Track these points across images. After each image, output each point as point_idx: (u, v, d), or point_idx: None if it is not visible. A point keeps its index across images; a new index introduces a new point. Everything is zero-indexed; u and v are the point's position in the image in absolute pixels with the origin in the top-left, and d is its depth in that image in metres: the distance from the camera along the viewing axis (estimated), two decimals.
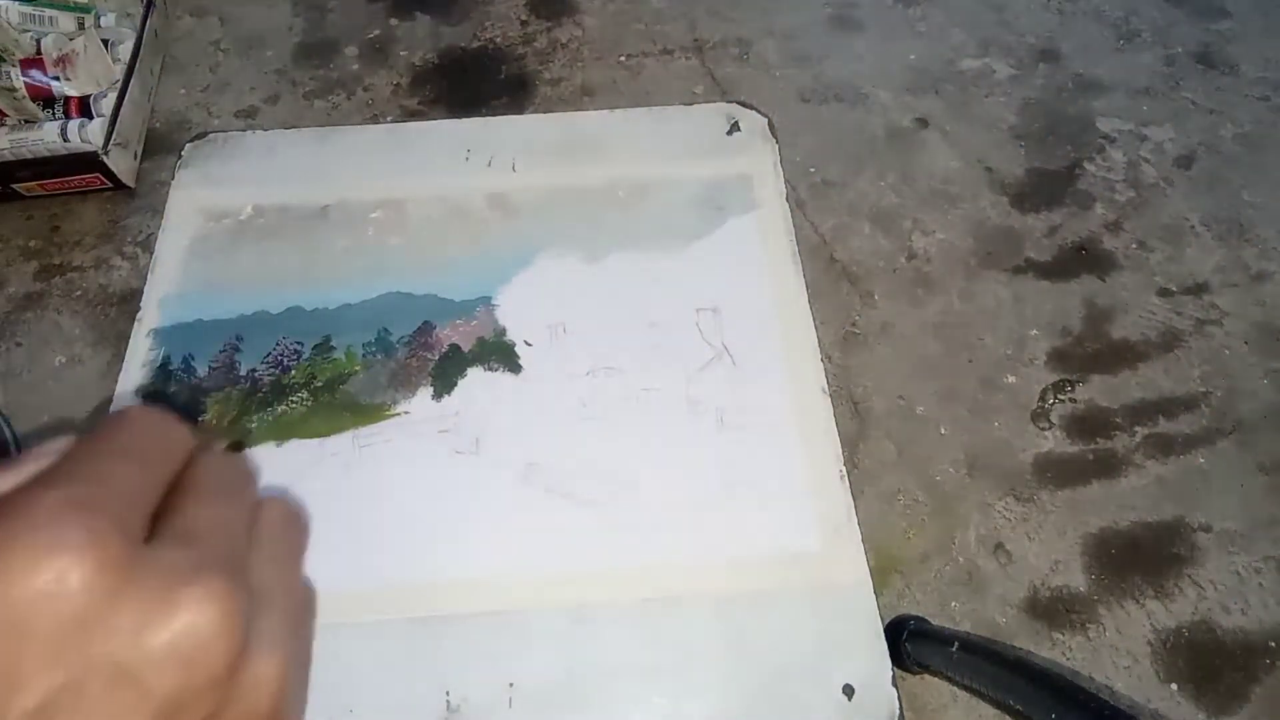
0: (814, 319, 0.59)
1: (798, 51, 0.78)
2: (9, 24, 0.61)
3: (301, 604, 0.17)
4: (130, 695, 0.14)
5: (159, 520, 0.15)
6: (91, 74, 0.67)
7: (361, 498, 0.46)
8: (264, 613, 0.16)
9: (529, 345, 0.57)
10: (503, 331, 0.58)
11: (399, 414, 0.51)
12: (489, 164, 0.65)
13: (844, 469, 0.53)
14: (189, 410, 0.55)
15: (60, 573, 0.13)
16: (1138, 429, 0.61)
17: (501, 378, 0.56)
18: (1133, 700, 0.47)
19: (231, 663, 0.15)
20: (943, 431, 0.60)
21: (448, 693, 0.42)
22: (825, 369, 0.57)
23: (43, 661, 0.13)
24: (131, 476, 0.15)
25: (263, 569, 0.16)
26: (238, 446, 0.15)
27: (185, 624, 0.14)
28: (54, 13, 0.67)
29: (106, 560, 0.13)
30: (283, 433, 0.50)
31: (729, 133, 0.68)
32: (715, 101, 0.72)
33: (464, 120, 0.70)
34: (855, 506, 0.52)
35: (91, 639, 0.13)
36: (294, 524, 0.18)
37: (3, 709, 0.13)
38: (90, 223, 0.66)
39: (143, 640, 0.14)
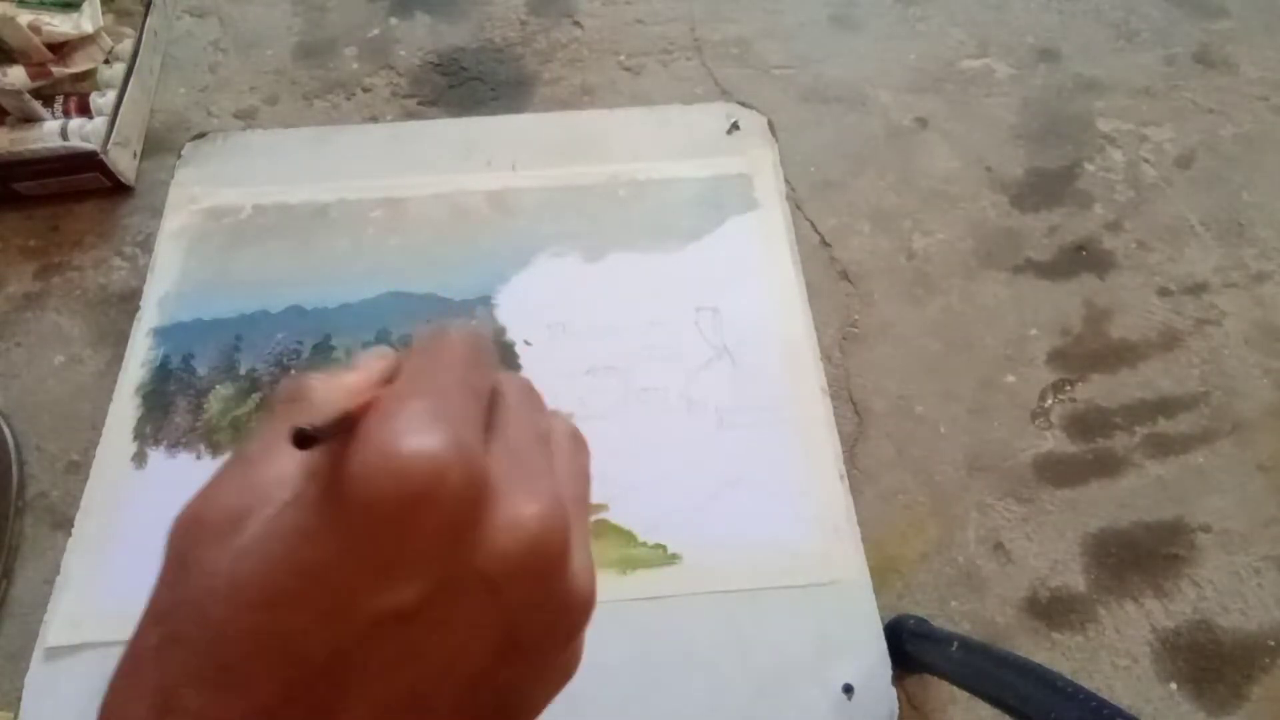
0: (814, 319, 0.59)
1: (798, 51, 0.78)
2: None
3: (589, 531, 0.18)
4: (490, 604, 0.14)
5: (484, 440, 0.16)
6: (88, 54, 0.67)
7: None
8: (575, 537, 0.16)
9: (529, 345, 0.57)
10: (502, 331, 0.58)
11: None
12: (489, 164, 0.65)
13: (844, 469, 0.53)
14: (188, 409, 0.55)
15: (438, 475, 0.13)
16: (1137, 429, 0.61)
17: None
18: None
19: (566, 578, 0.15)
20: (942, 431, 0.60)
21: None
22: (825, 369, 0.57)
23: (423, 560, 0.14)
24: (467, 394, 0.16)
25: (565, 491, 0.17)
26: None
27: (535, 538, 0.14)
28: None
29: (473, 469, 0.14)
30: None
31: (729, 132, 0.68)
32: (715, 101, 0.72)
33: (464, 120, 0.71)
34: (855, 506, 0.52)
35: (462, 545, 0.14)
36: (581, 446, 0.19)
37: (386, 597, 0.13)
38: (90, 222, 0.66)
39: (501, 553, 0.14)
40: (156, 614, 0.15)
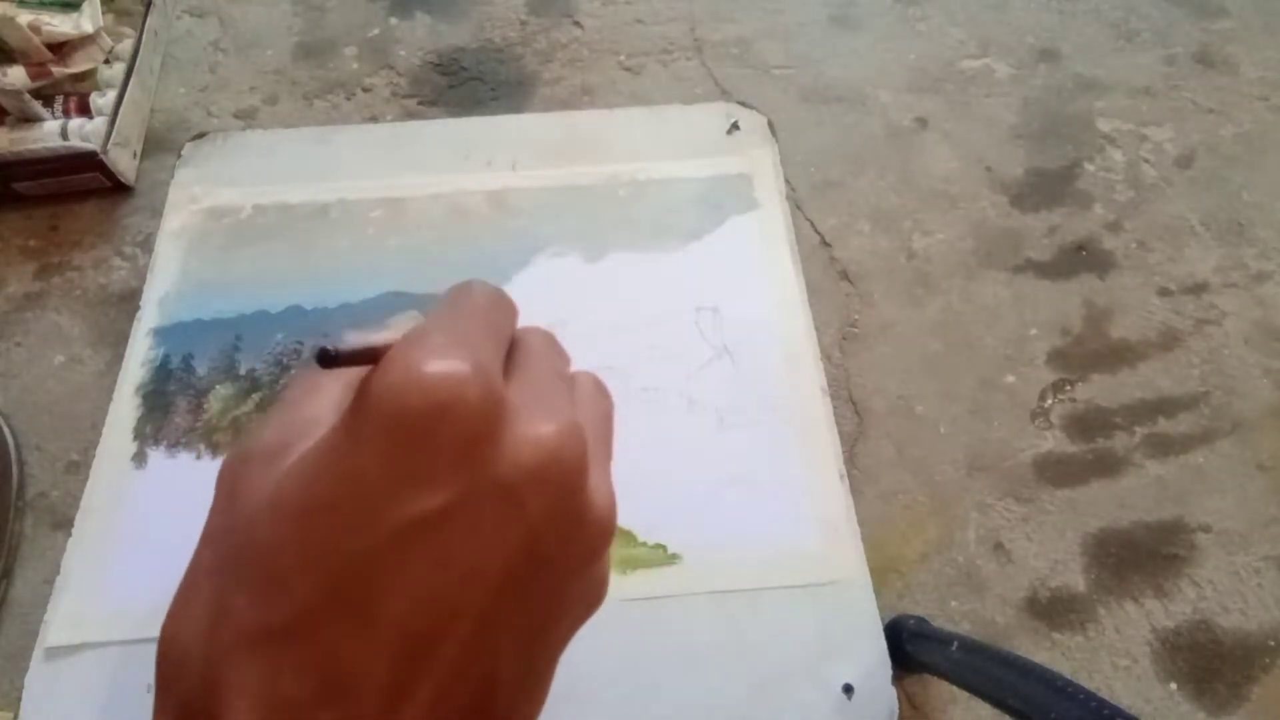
0: (814, 319, 0.59)
1: (798, 51, 0.78)
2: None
3: (610, 468, 0.19)
4: (512, 513, 0.15)
5: (504, 375, 0.18)
6: (88, 54, 0.67)
7: None
8: (595, 464, 0.17)
9: None
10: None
11: None
12: (489, 164, 0.65)
13: (844, 469, 0.53)
14: (188, 409, 0.55)
15: (458, 390, 0.15)
16: (1137, 429, 0.61)
17: None
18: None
19: (584, 496, 0.16)
20: (942, 431, 0.60)
21: None
22: (825, 369, 0.57)
23: (445, 469, 0.15)
24: (488, 334, 0.17)
25: (586, 425, 0.18)
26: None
27: (552, 452, 0.16)
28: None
29: (491, 387, 0.15)
30: None
31: (729, 132, 0.68)
32: (715, 101, 0.72)
33: (464, 120, 0.71)
34: (855, 506, 0.52)
35: (483, 455, 0.15)
36: (605, 394, 0.21)
37: (414, 503, 0.15)
38: (90, 222, 0.66)
39: (519, 465, 0.15)
40: (209, 537, 0.17)
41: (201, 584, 0.16)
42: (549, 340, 0.20)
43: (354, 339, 0.17)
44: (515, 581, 0.15)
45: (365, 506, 0.14)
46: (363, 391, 0.15)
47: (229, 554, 0.16)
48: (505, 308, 0.19)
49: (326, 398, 0.18)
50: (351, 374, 0.18)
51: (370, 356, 0.16)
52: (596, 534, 0.17)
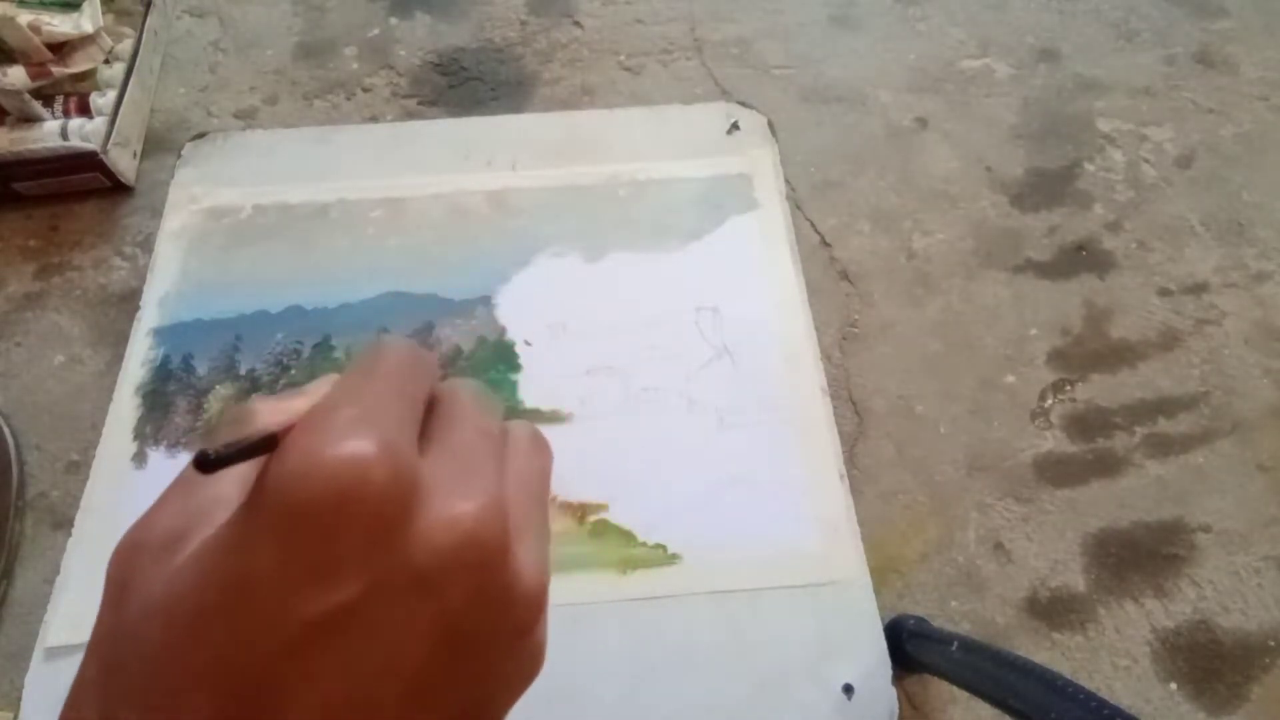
0: (814, 319, 0.59)
1: (798, 51, 0.78)
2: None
3: (547, 529, 0.18)
4: (427, 602, 0.14)
5: (422, 442, 0.16)
6: (88, 54, 0.67)
7: None
8: (524, 533, 0.16)
9: (529, 345, 0.57)
10: (503, 331, 0.58)
11: None
12: (489, 164, 0.65)
13: (844, 468, 0.53)
14: (188, 409, 0.55)
15: (363, 475, 0.14)
16: (1137, 429, 0.61)
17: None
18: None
19: (508, 573, 0.15)
20: (942, 431, 0.60)
21: None
22: (825, 369, 0.57)
23: (354, 559, 0.14)
24: (401, 401, 0.16)
25: (516, 490, 0.17)
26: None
27: (468, 533, 0.14)
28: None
29: (400, 468, 0.14)
30: None
31: (729, 132, 0.68)
32: (715, 101, 0.72)
33: (464, 120, 0.71)
34: (855, 506, 0.52)
35: (392, 543, 0.14)
36: (541, 448, 0.19)
37: (318, 601, 0.13)
38: (90, 222, 0.66)
39: (434, 549, 0.14)
40: (96, 643, 0.15)
41: (87, 702, 0.14)
42: (475, 395, 0.18)
43: (263, 415, 0.15)
44: (434, 673, 0.14)
45: (261, 609, 0.13)
46: (260, 482, 0.14)
47: (116, 665, 0.14)
48: (421, 366, 0.18)
49: (230, 476, 0.16)
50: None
51: (265, 445, 0.14)
52: (524, 609, 0.16)
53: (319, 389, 0.17)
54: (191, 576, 0.14)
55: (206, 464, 0.14)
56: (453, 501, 0.15)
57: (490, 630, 0.15)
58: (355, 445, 0.14)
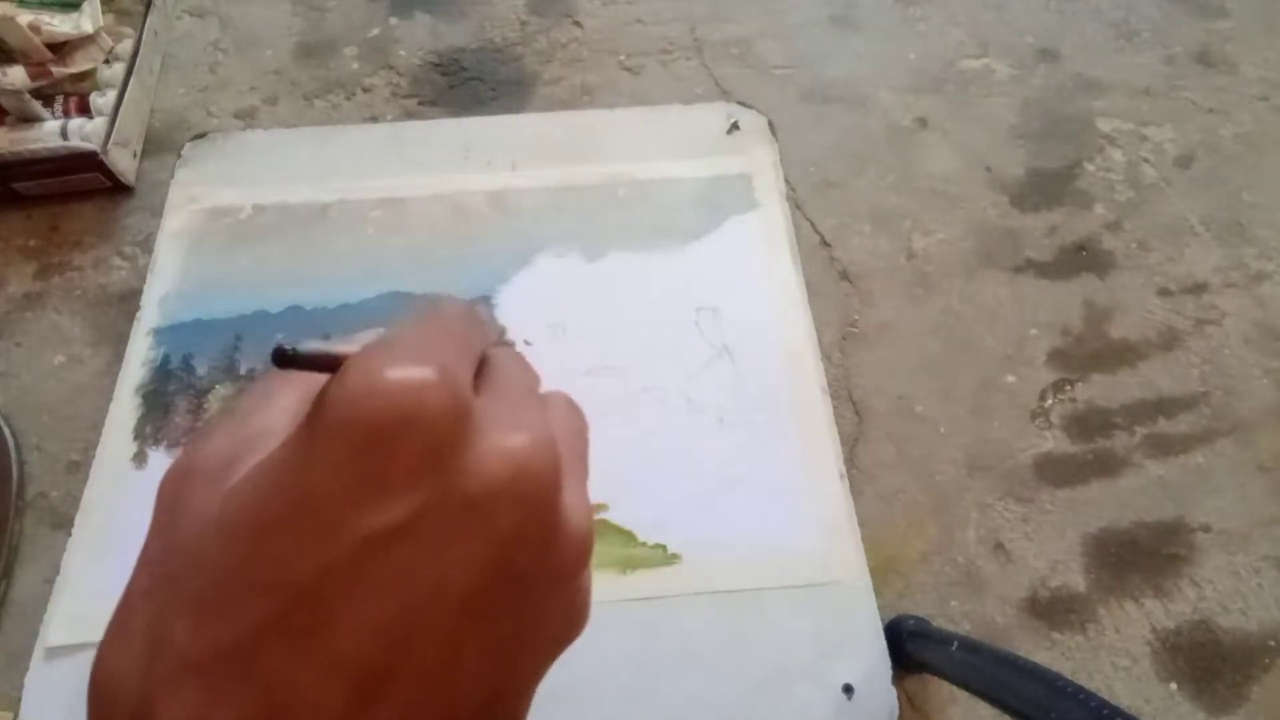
0: (814, 319, 0.59)
1: (798, 51, 0.78)
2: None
3: (587, 488, 0.18)
4: (479, 528, 0.14)
5: (475, 390, 0.16)
6: (88, 54, 0.67)
7: None
8: (571, 479, 0.17)
9: (529, 345, 0.57)
10: (503, 331, 0.57)
11: None
12: (489, 164, 0.65)
13: (844, 469, 0.53)
14: (188, 410, 0.55)
15: (422, 397, 0.14)
16: (1137, 429, 0.61)
17: None
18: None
19: (556, 513, 0.16)
20: (942, 431, 0.60)
21: None
22: (825, 369, 0.57)
23: (408, 479, 0.14)
24: (458, 346, 0.17)
25: (562, 439, 0.17)
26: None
27: (522, 465, 0.15)
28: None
29: (458, 394, 0.15)
30: None
31: (729, 132, 0.68)
32: (715, 101, 0.72)
33: (464, 120, 0.71)
34: (855, 506, 0.52)
35: (448, 466, 0.14)
36: (578, 413, 0.20)
37: (375, 517, 0.14)
38: (90, 222, 0.66)
39: (487, 476, 0.14)
40: (147, 561, 0.15)
41: (137, 612, 0.15)
42: (519, 359, 0.19)
43: (315, 346, 0.16)
44: (482, 601, 0.15)
45: (320, 521, 0.13)
46: (320, 400, 0.14)
47: (168, 577, 0.14)
48: (478, 324, 0.18)
49: (280, 409, 0.17)
50: (308, 385, 0.17)
51: (330, 363, 0.15)
52: (571, 551, 0.16)
53: (367, 338, 0.17)
54: (251, 491, 0.14)
55: (284, 359, 0.15)
56: (507, 434, 0.15)
57: (537, 566, 0.15)
58: (416, 370, 0.14)
